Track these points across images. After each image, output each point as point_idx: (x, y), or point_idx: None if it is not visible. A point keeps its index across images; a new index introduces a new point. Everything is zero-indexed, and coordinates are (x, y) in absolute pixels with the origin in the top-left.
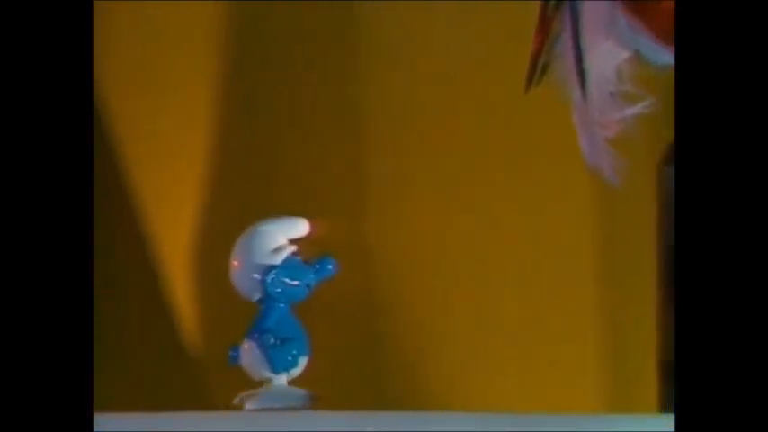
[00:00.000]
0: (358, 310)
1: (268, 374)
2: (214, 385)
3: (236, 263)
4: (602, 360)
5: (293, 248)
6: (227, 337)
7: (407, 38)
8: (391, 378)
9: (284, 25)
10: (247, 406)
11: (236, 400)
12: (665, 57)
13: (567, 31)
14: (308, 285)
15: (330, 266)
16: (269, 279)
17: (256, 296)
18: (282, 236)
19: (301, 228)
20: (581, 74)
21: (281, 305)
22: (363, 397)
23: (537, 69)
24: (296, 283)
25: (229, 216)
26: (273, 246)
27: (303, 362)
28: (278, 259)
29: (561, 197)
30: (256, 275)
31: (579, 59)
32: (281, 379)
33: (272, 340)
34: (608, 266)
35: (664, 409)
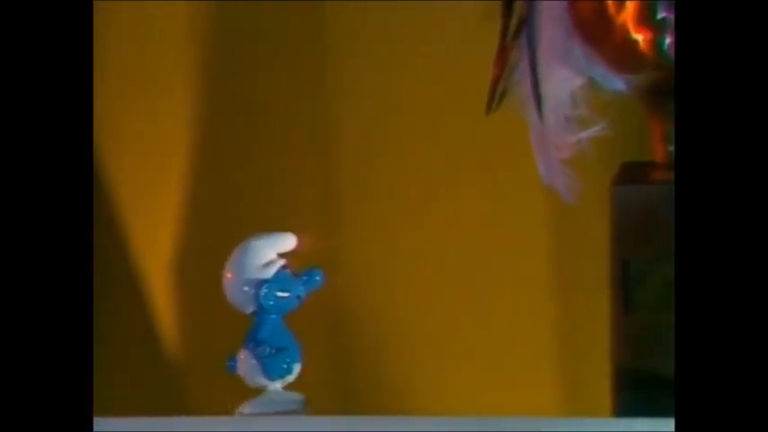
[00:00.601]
0: (320, 315)
1: (264, 382)
2: (197, 392)
3: (229, 277)
4: (558, 367)
5: (283, 262)
6: (211, 346)
7: (379, 66)
8: (356, 382)
9: (249, 52)
10: (246, 411)
11: (238, 411)
12: (617, 83)
13: (524, 59)
14: (298, 297)
15: (318, 278)
16: (262, 293)
17: (250, 309)
18: (272, 250)
19: (290, 242)
20: (538, 99)
21: (274, 316)
22: (327, 401)
23: (496, 95)
24: (287, 295)
25: (209, 226)
26: (264, 260)
27: (297, 369)
28: (269, 273)
29: (520, 213)
30: (249, 289)
31: (536, 86)
32: (277, 386)
33: (267, 350)
34: (563, 278)
35: (616, 413)
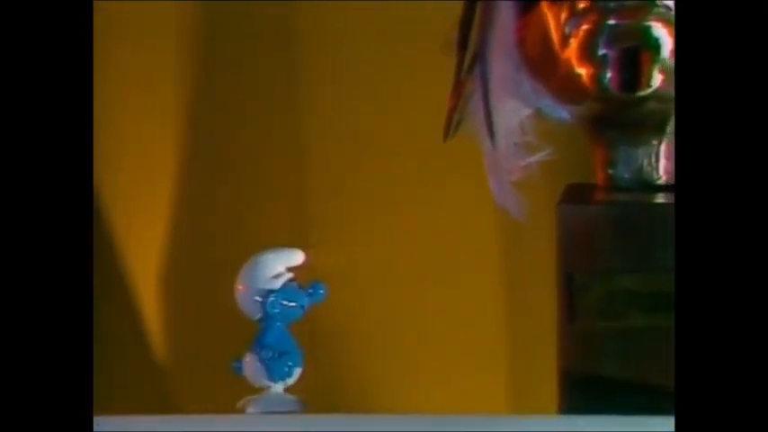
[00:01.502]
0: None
1: (267, 383)
2: (186, 393)
3: (240, 287)
4: (509, 370)
5: (290, 275)
6: (200, 348)
7: (350, 95)
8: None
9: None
10: (249, 410)
11: (239, 404)
12: (562, 113)
13: (478, 91)
14: (302, 307)
15: (322, 291)
16: (269, 302)
17: (258, 315)
18: (281, 264)
19: (298, 257)
20: (490, 127)
21: (279, 324)
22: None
23: (453, 123)
24: (292, 305)
25: (198, 231)
26: (273, 273)
27: (297, 372)
28: (277, 284)
29: (474, 229)
30: (258, 298)
31: (489, 115)
32: (278, 387)
33: (271, 354)
34: (514, 289)
35: (561, 411)
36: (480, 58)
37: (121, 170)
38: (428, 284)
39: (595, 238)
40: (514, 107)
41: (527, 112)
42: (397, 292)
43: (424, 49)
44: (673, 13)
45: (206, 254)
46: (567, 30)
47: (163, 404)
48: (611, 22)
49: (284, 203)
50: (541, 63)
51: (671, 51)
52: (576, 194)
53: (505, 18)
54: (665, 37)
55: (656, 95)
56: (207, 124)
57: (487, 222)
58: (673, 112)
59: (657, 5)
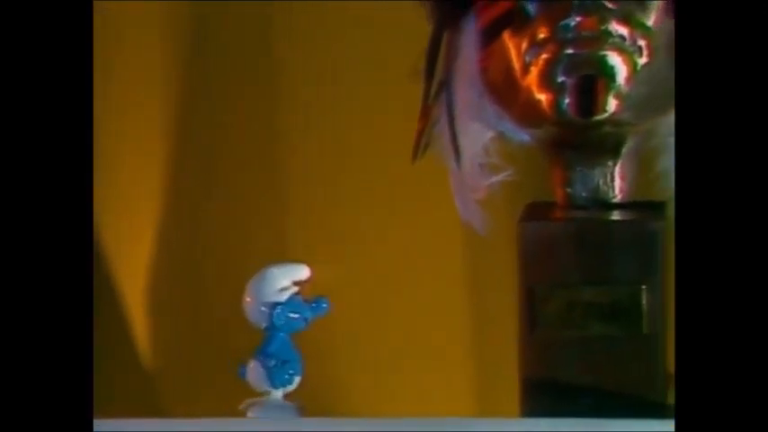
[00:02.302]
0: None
1: (269, 388)
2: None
3: (248, 299)
4: (475, 376)
5: (295, 289)
6: (187, 353)
7: (326, 121)
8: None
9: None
10: (250, 413)
11: (241, 407)
12: (523, 136)
13: (444, 116)
14: (305, 319)
15: (324, 305)
16: (275, 313)
17: (264, 325)
18: (287, 278)
19: (303, 272)
20: (456, 149)
21: (282, 334)
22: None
23: (421, 145)
24: (297, 316)
25: (185, 238)
26: (279, 286)
27: (297, 380)
28: (283, 297)
29: (441, 244)
30: (265, 309)
31: (454, 138)
32: (278, 393)
33: (274, 362)
34: (479, 300)
35: (523, 414)
36: (446, 85)
37: (110, 176)
38: (397, 296)
39: (555, 252)
40: (478, 130)
41: (490, 135)
42: (366, 304)
43: (394, 78)
44: (627, 43)
45: (193, 264)
46: (527, 59)
47: (150, 408)
48: (569, 51)
49: (264, 218)
50: (503, 90)
51: (625, 79)
52: (537, 212)
53: (469, 48)
54: (619, 65)
55: (611, 120)
56: (190, 140)
57: (453, 238)
58: (626, 135)
59: (612, 36)
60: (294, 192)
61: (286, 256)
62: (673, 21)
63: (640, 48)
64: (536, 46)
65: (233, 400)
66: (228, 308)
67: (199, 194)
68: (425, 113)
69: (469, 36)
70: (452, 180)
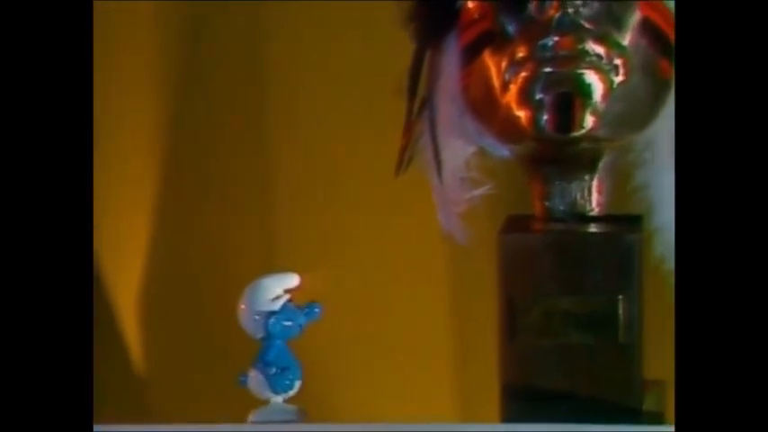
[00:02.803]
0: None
1: (270, 395)
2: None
3: (243, 308)
4: (456, 382)
5: (288, 297)
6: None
7: (312, 136)
8: None
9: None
10: (252, 419)
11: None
12: (503, 151)
13: (426, 132)
14: (300, 325)
15: (317, 310)
16: (270, 322)
17: (260, 334)
18: (279, 287)
19: (294, 280)
20: (438, 164)
21: (279, 342)
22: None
23: (404, 160)
24: (291, 324)
25: (178, 245)
26: (272, 295)
27: (297, 385)
28: (276, 306)
29: (424, 256)
30: (260, 319)
31: (437, 153)
32: (279, 399)
33: (274, 370)
34: (460, 310)
35: (502, 419)
36: (429, 102)
37: (101, 184)
38: (381, 305)
39: (534, 263)
40: (460, 146)
41: (471, 150)
42: (351, 312)
43: (378, 95)
44: (603, 62)
45: (186, 270)
46: (506, 77)
47: (144, 414)
48: (547, 70)
49: (254, 227)
50: (484, 107)
51: (601, 96)
52: (516, 224)
53: (451, 67)
54: (596, 83)
55: (588, 136)
56: (180, 150)
57: (436, 249)
58: (603, 151)
59: (589, 55)
60: (283, 203)
61: (276, 264)
62: (647, 41)
63: (616, 66)
64: (515, 64)
65: (228, 405)
66: (222, 313)
67: (191, 202)
68: (409, 129)
69: (451, 55)
70: (435, 193)
